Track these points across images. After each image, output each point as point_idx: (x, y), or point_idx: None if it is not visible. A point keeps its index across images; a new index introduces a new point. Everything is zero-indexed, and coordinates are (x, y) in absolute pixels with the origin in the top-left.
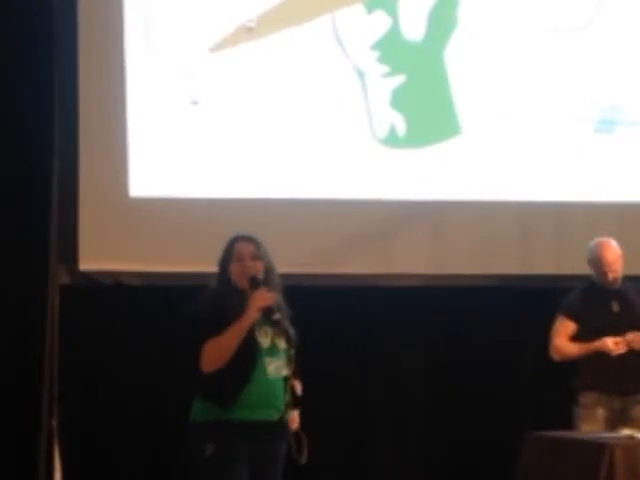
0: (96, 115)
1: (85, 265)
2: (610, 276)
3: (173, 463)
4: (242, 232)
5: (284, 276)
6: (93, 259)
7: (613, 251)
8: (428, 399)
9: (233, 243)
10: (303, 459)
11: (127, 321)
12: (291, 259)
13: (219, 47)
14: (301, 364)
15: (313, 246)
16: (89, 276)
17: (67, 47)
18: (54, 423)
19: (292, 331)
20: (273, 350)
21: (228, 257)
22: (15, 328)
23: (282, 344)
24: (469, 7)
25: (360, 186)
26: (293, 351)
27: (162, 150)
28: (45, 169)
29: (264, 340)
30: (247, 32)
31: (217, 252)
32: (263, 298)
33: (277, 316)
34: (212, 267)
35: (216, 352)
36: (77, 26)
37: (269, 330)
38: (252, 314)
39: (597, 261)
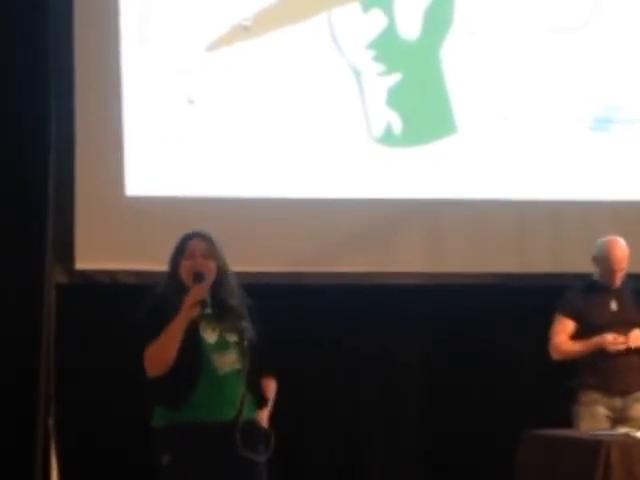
0: (92, 114)
1: (81, 264)
2: (617, 274)
3: None
4: (197, 229)
5: (280, 275)
6: (89, 258)
7: (622, 249)
8: (426, 398)
9: (185, 240)
10: (261, 457)
11: (123, 320)
12: (287, 257)
13: (215, 46)
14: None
15: (310, 245)
16: (85, 275)
17: (63, 47)
18: (50, 422)
19: (246, 324)
20: (222, 344)
21: (178, 254)
22: (11, 327)
23: (233, 337)
24: (465, 5)
25: (356, 185)
26: (246, 344)
27: (158, 149)
28: (41, 168)
29: (210, 335)
30: (243, 31)
31: None
32: (196, 293)
33: (207, 310)
34: None
35: (156, 355)
36: (72, 25)
37: (216, 325)
38: (186, 310)
39: (606, 258)
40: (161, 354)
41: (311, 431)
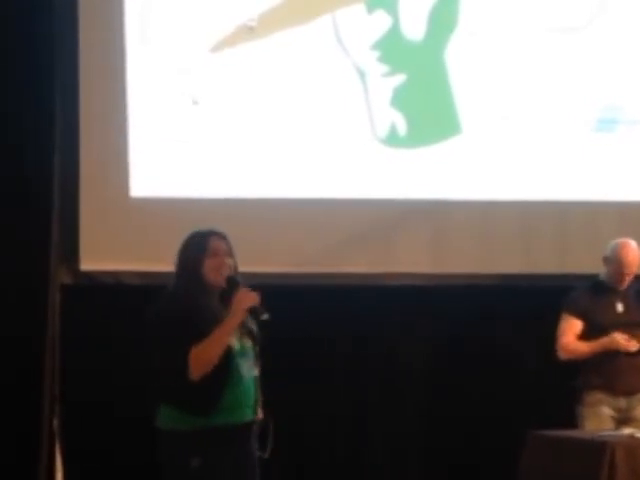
0: (97, 115)
1: (86, 265)
2: (627, 278)
3: None
4: (209, 228)
5: (284, 275)
6: (94, 259)
7: (634, 253)
8: (429, 398)
9: (206, 238)
10: (266, 454)
11: (128, 320)
12: (292, 258)
13: (220, 47)
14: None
15: (314, 245)
16: (90, 276)
17: (67, 48)
18: (55, 423)
19: (255, 328)
20: (243, 351)
21: (200, 251)
22: (16, 328)
23: (248, 343)
24: (470, 7)
25: (361, 185)
26: (258, 349)
27: (163, 150)
28: (46, 169)
29: (234, 342)
30: (248, 32)
31: None
32: (249, 298)
33: (265, 316)
34: None
35: (206, 358)
36: (78, 26)
37: (236, 331)
38: (240, 315)
39: (617, 261)
40: (210, 357)
41: (311, 431)
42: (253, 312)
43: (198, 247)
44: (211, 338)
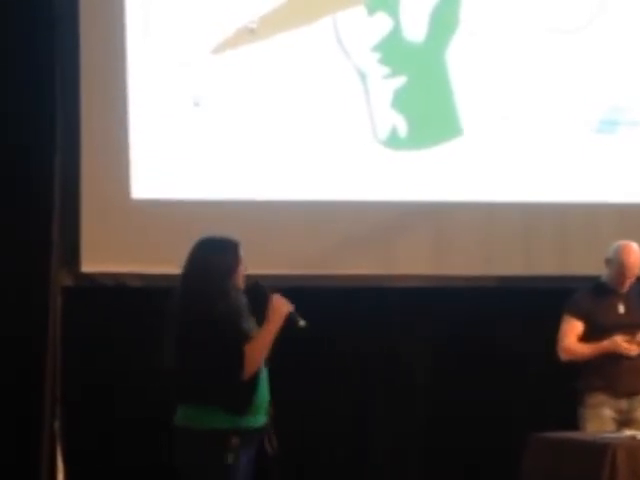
0: (98, 117)
1: (87, 267)
2: (628, 280)
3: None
4: (230, 235)
5: (287, 277)
6: (95, 261)
7: (635, 255)
8: (430, 400)
9: (238, 246)
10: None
11: (129, 322)
12: (294, 260)
13: (221, 49)
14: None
15: (315, 247)
16: (91, 278)
17: (69, 49)
18: (56, 425)
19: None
20: None
21: (236, 259)
22: (17, 330)
23: None
24: (470, 8)
25: (362, 187)
26: None
27: (164, 152)
28: (47, 171)
29: None
30: (249, 34)
31: None
32: (285, 305)
33: (303, 323)
34: None
35: (257, 358)
36: (79, 28)
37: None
38: (278, 321)
39: (619, 263)
40: (260, 358)
41: (311, 431)
42: (290, 319)
43: (234, 254)
44: (259, 340)
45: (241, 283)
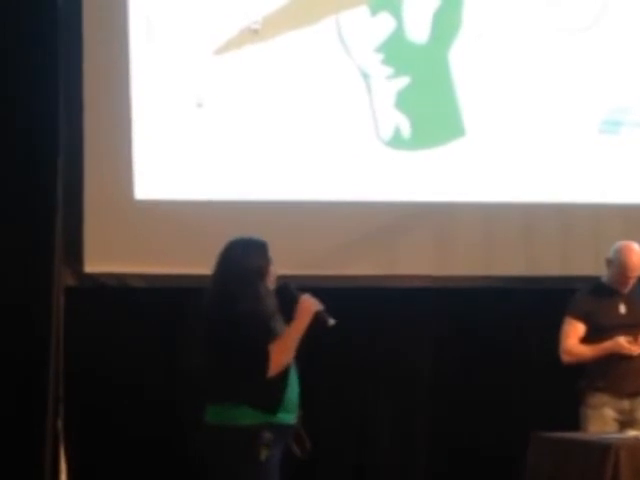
0: (101, 118)
1: (90, 267)
2: (630, 281)
3: (178, 464)
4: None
5: (289, 277)
6: (98, 261)
7: (637, 255)
8: (432, 400)
9: (267, 247)
10: (304, 454)
11: (132, 323)
12: (296, 261)
13: (224, 49)
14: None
15: (318, 248)
16: (94, 278)
17: (73, 49)
18: (59, 424)
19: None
20: None
21: (268, 260)
22: (21, 329)
23: None
24: (473, 8)
25: (365, 188)
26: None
27: (167, 152)
28: (50, 171)
29: None
30: (252, 34)
31: None
32: (313, 303)
33: (332, 322)
34: None
35: (284, 356)
36: (82, 29)
37: None
38: (306, 319)
39: (621, 264)
40: (287, 357)
41: (311, 431)
42: (319, 318)
43: (264, 255)
44: (285, 339)
45: (272, 284)
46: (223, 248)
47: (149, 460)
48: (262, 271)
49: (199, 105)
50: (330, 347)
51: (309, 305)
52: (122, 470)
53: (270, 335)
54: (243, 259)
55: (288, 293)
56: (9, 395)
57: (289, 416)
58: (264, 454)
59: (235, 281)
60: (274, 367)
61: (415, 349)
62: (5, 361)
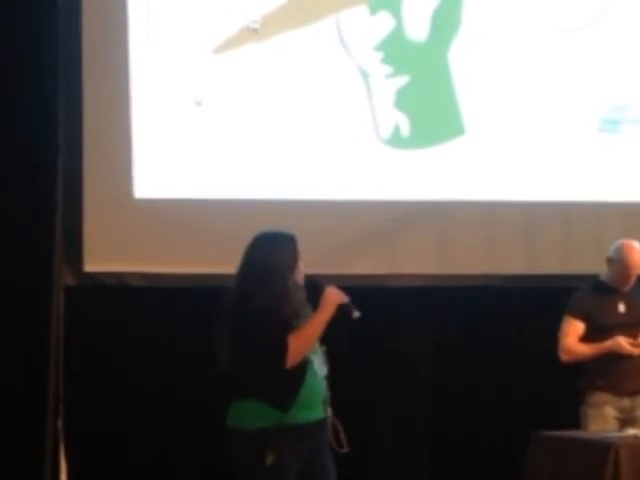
0: (101, 116)
1: (90, 266)
2: (630, 279)
3: (178, 464)
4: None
5: None
6: (98, 260)
7: (638, 254)
8: (433, 399)
9: (296, 243)
10: (343, 448)
11: (132, 322)
12: None
13: (223, 48)
14: None
15: (317, 247)
16: (94, 277)
17: (71, 47)
18: (59, 424)
19: None
20: (314, 349)
21: (297, 256)
22: (20, 329)
23: (317, 343)
24: (473, 7)
25: (364, 187)
26: (324, 348)
27: (167, 151)
28: (50, 170)
29: None
30: (251, 33)
31: (223, 253)
32: (338, 295)
33: (357, 314)
34: (217, 268)
35: (304, 347)
36: (81, 26)
37: None
38: (329, 310)
39: (621, 262)
40: (306, 347)
41: None
42: (344, 309)
43: (293, 249)
44: (307, 328)
45: (301, 278)
46: (250, 243)
47: (149, 460)
48: (291, 266)
49: (198, 104)
50: (330, 347)
51: (334, 296)
52: (122, 470)
53: (287, 328)
54: (270, 254)
55: (314, 285)
56: (9, 395)
57: (306, 414)
58: (271, 459)
59: (262, 277)
60: (292, 356)
61: (415, 348)
62: (5, 361)
